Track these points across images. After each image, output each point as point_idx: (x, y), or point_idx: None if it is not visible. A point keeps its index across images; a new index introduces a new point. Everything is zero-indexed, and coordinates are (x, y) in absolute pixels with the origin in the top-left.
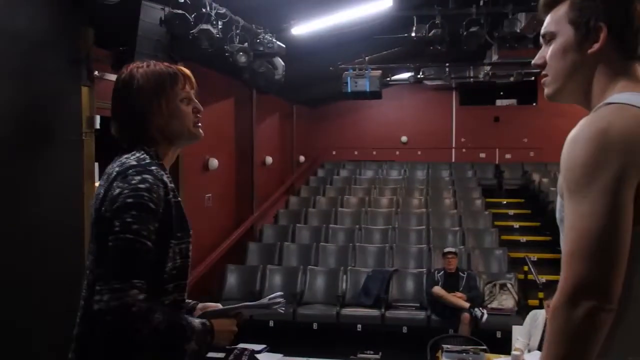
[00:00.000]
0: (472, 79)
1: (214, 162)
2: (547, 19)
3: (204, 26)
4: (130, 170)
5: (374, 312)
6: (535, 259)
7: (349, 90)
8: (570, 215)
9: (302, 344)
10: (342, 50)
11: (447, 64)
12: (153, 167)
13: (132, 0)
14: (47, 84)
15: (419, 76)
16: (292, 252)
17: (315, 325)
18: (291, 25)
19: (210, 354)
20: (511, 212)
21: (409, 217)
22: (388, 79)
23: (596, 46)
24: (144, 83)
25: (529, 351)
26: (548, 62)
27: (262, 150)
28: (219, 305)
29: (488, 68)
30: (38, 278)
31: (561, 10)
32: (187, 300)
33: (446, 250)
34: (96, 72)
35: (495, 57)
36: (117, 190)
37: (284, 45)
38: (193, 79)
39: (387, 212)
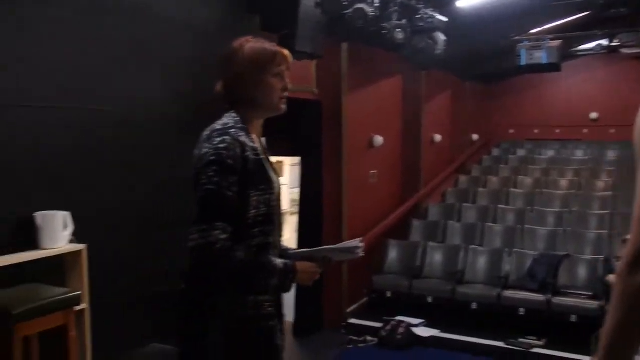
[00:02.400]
0: None
1: (378, 140)
2: None
3: (359, 5)
4: (214, 133)
5: (539, 297)
6: None
7: (523, 64)
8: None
9: (460, 323)
10: (516, 21)
11: None
12: (232, 130)
13: None
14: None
15: (613, 44)
16: (456, 230)
17: (474, 305)
18: None
19: (366, 323)
20: None
21: (591, 200)
22: (573, 49)
23: None
24: (248, 54)
25: None
26: None
27: (431, 128)
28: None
29: None
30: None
31: None
32: (285, 247)
33: (626, 237)
34: None
35: None
36: (204, 150)
37: (445, 19)
38: (290, 60)
39: (565, 194)
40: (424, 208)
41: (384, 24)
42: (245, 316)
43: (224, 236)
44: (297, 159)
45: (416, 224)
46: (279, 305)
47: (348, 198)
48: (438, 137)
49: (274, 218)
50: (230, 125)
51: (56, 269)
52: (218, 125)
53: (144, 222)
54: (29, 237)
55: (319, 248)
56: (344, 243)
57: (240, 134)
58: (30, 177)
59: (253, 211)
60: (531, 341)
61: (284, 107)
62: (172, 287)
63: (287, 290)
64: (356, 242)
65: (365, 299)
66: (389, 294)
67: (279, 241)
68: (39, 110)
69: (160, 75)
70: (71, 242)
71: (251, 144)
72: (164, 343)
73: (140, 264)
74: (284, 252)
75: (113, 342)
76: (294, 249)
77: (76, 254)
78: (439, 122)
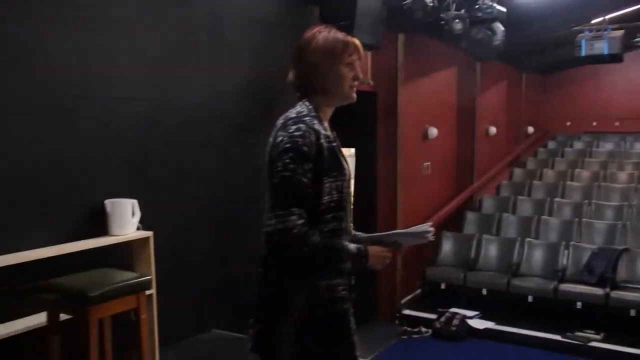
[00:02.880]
0: None
1: (433, 131)
2: None
3: None
4: (289, 122)
5: (597, 291)
6: None
7: (583, 54)
8: None
9: (515, 316)
10: (577, 11)
11: None
12: (307, 118)
13: None
14: (281, 60)
15: None
16: (511, 223)
17: (530, 298)
18: None
19: (420, 314)
20: None
21: None
22: (635, 39)
23: None
24: (321, 44)
25: None
26: None
27: (486, 120)
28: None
29: None
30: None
31: None
32: (355, 232)
33: None
34: None
35: None
36: (279, 138)
37: (504, 10)
38: (361, 51)
39: (625, 187)
40: (477, 200)
41: (442, 15)
42: (320, 299)
43: (300, 221)
44: (353, 151)
45: (470, 216)
46: (350, 290)
47: (402, 189)
48: (493, 130)
49: (345, 204)
50: (304, 113)
51: (124, 255)
52: (292, 113)
53: (209, 212)
54: (100, 224)
55: (390, 232)
56: (414, 227)
57: (314, 122)
58: (101, 166)
59: (326, 197)
60: (589, 335)
61: (354, 95)
62: (232, 276)
63: (361, 273)
64: (426, 227)
65: (418, 291)
66: (442, 286)
67: (350, 226)
68: (112, 101)
69: (228, 66)
70: (138, 229)
71: (324, 132)
72: (224, 329)
73: (203, 252)
74: (354, 237)
75: (176, 328)
76: (364, 234)
77: (143, 241)
78: (493, 114)
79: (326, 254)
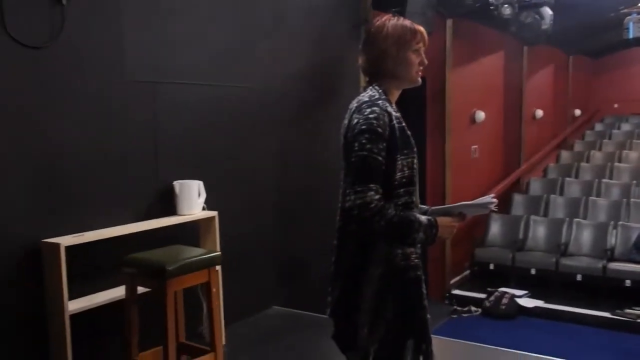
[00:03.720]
0: None
1: (480, 115)
2: None
3: None
4: (364, 105)
5: None
6: None
7: (631, 37)
8: None
9: (564, 294)
10: None
11: None
12: (380, 102)
13: None
14: (335, 46)
15: None
16: (558, 205)
17: (579, 277)
18: None
19: (470, 294)
20: None
21: None
22: None
23: None
24: (391, 31)
25: None
26: None
27: (533, 103)
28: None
29: None
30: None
31: None
32: (420, 205)
33: None
34: None
35: None
36: (355, 120)
37: None
38: (427, 38)
39: None
40: (525, 183)
41: (491, 0)
42: (396, 267)
43: (377, 196)
44: None
45: (518, 198)
46: (422, 259)
47: (451, 172)
48: (540, 113)
49: (414, 179)
50: (376, 97)
51: (191, 233)
52: (365, 97)
53: (269, 195)
54: (169, 205)
55: (455, 204)
56: (478, 199)
57: (386, 105)
58: (171, 150)
59: (399, 174)
60: (638, 312)
61: (420, 80)
62: (291, 256)
63: (431, 243)
64: (488, 198)
65: (467, 272)
66: (491, 266)
67: (418, 200)
68: (183, 87)
69: (289, 52)
70: (203, 209)
71: (395, 113)
72: (284, 306)
73: (264, 233)
74: (422, 210)
75: (239, 305)
76: (432, 207)
77: (209, 220)
78: (541, 97)
79: (401, 226)
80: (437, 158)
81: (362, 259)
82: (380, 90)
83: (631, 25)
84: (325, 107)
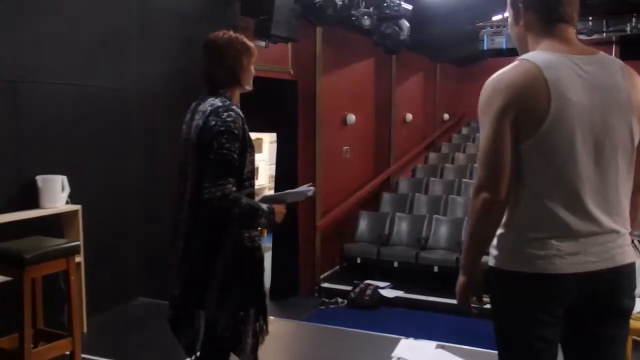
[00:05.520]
0: (635, 31)
1: (351, 118)
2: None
3: None
4: (220, 109)
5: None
6: None
7: (485, 48)
8: (480, 139)
9: (423, 285)
10: (480, 8)
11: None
12: (234, 107)
13: None
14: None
15: None
16: (422, 202)
17: (435, 269)
18: None
19: (338, 287)
20: None
21: None
22: None
23: (522, 21)
24: (241, 45)
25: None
26: (510, 33)
27: (403, 107)
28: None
29: None
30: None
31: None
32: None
33: None
34: None
35: None
36: (213, 123)
37: (410, 7)
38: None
39: None
40: (394, 182)
41: (353, 11)
42: (244, 248)
43: (234, 188)
44: (274, 136)
45: (386, 196)
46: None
47: (322, 172)
48: (410, 116)
49: (254, 173)
50: (227, 102)
51: (55, 226)
52: (217, 102)
53: (135, 188)
54: (32, 198)
55: (282, 192)
56: (298, 188)
57: (238, 109)
58: (35, 145)
59: (246, 169)
60: (486, 298)
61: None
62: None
63: (270, 226)
64: (306, 187)
65: (337, 267)
66: (358, 261)
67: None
68: (45, 86)
69: (154, 57)
70: (67, 203)
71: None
72: (149, 297)
73: (130, 225)
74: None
75: (104, 296)
76: (263, 195)
77: (72, 214)
78: (410, 102)
79: (250, 213)
80: (309, 158)
81: (213, 243)
82: (228, 96)
83: (485, 37)
84: (188, 107)
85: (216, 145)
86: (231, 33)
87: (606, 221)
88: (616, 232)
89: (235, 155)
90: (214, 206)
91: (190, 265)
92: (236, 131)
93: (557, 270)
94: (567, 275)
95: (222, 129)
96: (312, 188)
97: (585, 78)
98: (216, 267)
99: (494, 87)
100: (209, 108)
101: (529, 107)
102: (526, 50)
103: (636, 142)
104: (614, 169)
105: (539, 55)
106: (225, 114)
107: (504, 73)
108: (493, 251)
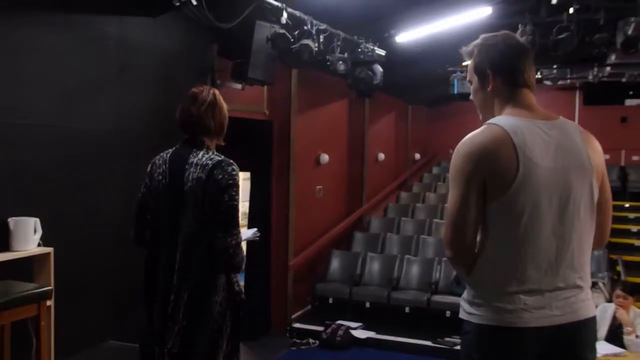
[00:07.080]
0: (596, 79)
1: (325, 157)
2: (468, 68)
3: (305, 41)
4: (223, 163)
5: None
6: None
7: (456, 92)
8: (448, 198)
9: (394, 325)
10: (450, 54)
11: (568, 66)
12: (230, 160)
13: (249, 17)
14: (182, 89)
15: (537, 77)
16: (394, 242)
17: (407, 309)
18: (394, 34)
19: (309, 327)
20: (632, 215)
21: None
22: None
23: (490, 86)
24: (222, 103)
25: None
26: (473, 99)
27: (375, 147)
28: None
29: (608, 69)
30: None
31: (471, 64)
32: None
33: None
34: (218, 81)
35: (613, 59)
36: (220, 177)
37: (383, 53)
38: None
39: None
40: (366, 221)
41: (328, 57)
42: (234, 292)
43: (241, 236)
44: (247, 174)
45: (358, 235)
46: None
47: (295, 211)
48: (382, 156)
49: None
50: (223, 157)
51: (26, 268)
52: (215, 157)
53: (108, 230)
54: (3, 240)
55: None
56: (245, 232)
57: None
58: (6, 187)
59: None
60: (455, 340)
61: None
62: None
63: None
64: (252, 233)
65: (309, 306)
66: (330, 300)
67: None
68: (19, 127)
69: (133, 97)
70: (39, 245)
71: None
72: (120, 340)
73: (102, 267)
74: None
75: (74, 339)
76: None
77: (44, 256)
78: (383, 142)
79: (244, 259)
80: (282, 197)
81: (204, 289)
82: (211, 148)
83: (456, 82)
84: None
85: (227, 197)
86: (210, 89)
87: (570, 276)
88: (579, 287)
89: (239, 205)
90: (229, 255)
91: (185, 310)
92: (239, 183)
93: (524, 323)
94: (534, 329)
95: (230, 182)
96: (258, 233)
97: (549, 142)
98: (211, 311)
99: (464, 151)
100: (209, 162)
101: (498, 171)
102: (491, 115)
103: (596, 200)
104: (577, 226)
105: (506, 119)
106: (230, 167)
107: (474, 137)
108: (463, 304)
